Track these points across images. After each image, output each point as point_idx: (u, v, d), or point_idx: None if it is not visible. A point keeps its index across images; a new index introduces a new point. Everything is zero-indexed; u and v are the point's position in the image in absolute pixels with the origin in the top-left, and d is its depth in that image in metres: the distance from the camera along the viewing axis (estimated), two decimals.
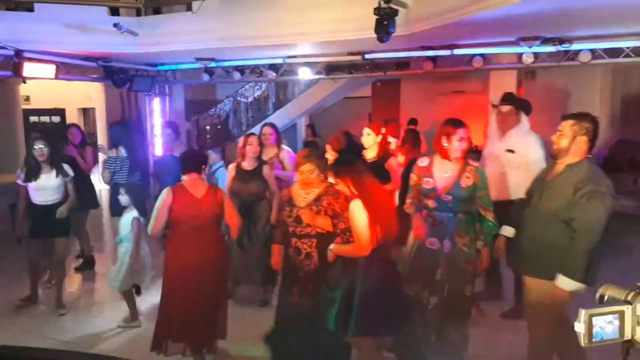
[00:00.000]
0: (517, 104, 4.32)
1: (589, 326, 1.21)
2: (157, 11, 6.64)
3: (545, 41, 5.71)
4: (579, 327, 1.21)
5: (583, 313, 1.21)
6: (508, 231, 3.17)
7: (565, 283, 2.70)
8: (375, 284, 2.84)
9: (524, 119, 4.29)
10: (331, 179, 3.16)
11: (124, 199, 4.21)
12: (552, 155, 2.91)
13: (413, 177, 3.44)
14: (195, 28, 6.05)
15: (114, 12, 6.43)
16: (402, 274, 3.28)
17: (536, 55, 5.91)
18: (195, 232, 3.38)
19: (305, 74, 6.99)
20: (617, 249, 6.48)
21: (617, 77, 9.77)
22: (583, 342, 1.21)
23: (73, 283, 5.57)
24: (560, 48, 5.71)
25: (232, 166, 4.67)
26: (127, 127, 5.89)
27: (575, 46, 5.69)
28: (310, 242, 3.18)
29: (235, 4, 5.94)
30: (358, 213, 2.81)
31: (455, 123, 3.28)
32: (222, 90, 13.32)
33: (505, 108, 4.22)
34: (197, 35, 6.08)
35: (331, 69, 6.97)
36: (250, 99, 12.58)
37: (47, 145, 4.49)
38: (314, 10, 5.51)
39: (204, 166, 3.62)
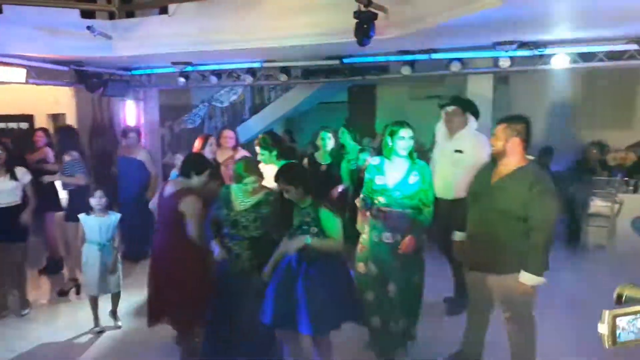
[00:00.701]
0: (464, 105, 4.52)
1: (613, 327, 1.18)
2: (131, 14, 6.49)
3: (521, 46, 5.79)
4: (602, 328, 1.18)
5: (607, 314, 1.18)
6: (459, 236, 3.39)
7: (528, 279, 2.91)
8: (321, 279, 3.03)
9: (472, 120, 4.49)
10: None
11: (102, 201, 4.19)
12: (492, 158, 3.16)
13: (366, 175, 3.74)
14: (171, 32, 5.94)
15: (87, 14, 6.25)
16: (358, 268, 3.64)
17: (512, 59, 5.98)
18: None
19: (283, 79, 6.93)
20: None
21: (587, 82, 10.00)
22: (607, 344, 1.19)
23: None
24: (535, 52, 5.79)
25: None
26: (74, 131, 5.97)
27: (550, 50, 5.77)
28: (241, 244, 3.38)
29: (212, 8, 5.83)
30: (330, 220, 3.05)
31: (399, 124, 3.57)
32: (197, 95, 13.12)
33: (451, 109, 4.42)
34: (173, 38, 5.96)
35: (309, 73, 6.93)
36: (225, 104, 12.46)
37: (3, 149, 4.74)
38: (292, 15, 5.45)
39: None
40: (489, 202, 3.04)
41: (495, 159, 3.12)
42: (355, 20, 4.87)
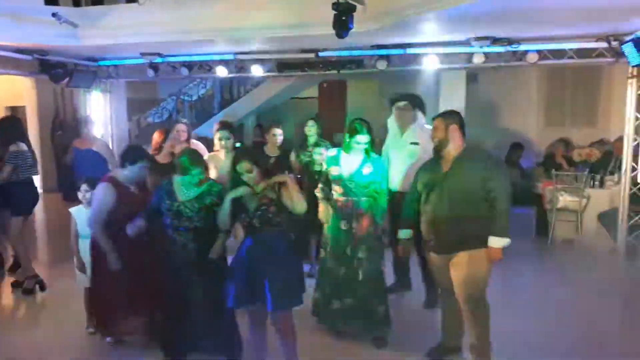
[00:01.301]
0: (413, 101, 4.69)
1: None
2: (97, 2, 6.24)
3: (495, 42, 5.85)
4: None
5: None
6: (406, 234, 3.63)
7: (497, 241, 3.18)
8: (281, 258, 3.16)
9: (420, 114, 4.68)
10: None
11: (88, 194, 4.00)
12: (436, 149, 3.40)
13: (324, 166, 4.00)
14: (140, 20, 5.73)
15: (51, 1, 5.98)
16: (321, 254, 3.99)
17: (486, 55, 6.04)
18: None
19: (256, 71, 6.82)
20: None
21: (551, 81, 10.25)
22: None
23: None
24: (509, 48, 5.87)
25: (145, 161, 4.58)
26: (18, 121, 5.61)
27: (523, 47, 5.86)
28: (186, 234, 3.37)
29: None
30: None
31: (358, 127, 3.75)
32: (164, 88, 12.87)
33: (403, 104, 4.60)
34: (143, 28, 5.76)
35: (283, 66, 6.84)
36: (194, 98, 12.24)
37: None
38: (268, 5, 5.36)
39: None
40: (446, 187, 3.28)
41: (437, 150, 3.39)
42: (333, 13, 4.85)
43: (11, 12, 5.58)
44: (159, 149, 4.70)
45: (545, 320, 4.29)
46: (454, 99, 7.43)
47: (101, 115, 8.27)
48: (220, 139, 4.65)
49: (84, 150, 6.23)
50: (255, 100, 11.91)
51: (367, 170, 3.77)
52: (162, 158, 4.69)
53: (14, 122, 5.58)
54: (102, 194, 3.62)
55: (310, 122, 5.43)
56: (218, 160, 4.65)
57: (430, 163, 3.50)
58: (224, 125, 4.82)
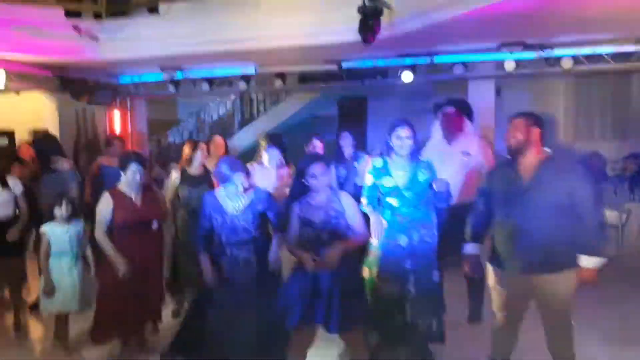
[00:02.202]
0: (461, 106, 4.41)
1: None
2: (118, 14, 6.19)
3: (526, 48, 5.61)
4: None
5: None
6: (475, 248, 3.17)
7: (590, 261, 2.80)
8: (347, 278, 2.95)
9: (468, 122, 4.37)
10: None
11: (69, 208, 3.88)
12: (511, 153, 2.96)
13: (369, 178, 3.53)
14: (162, 32, 5.65)
15: (72, 14, 5.93)
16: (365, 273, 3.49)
17: (517, 63, 5.80)
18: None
19: (278, 85, 6.67)
20: None
21: (578, 93, 9.94)
22: None
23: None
24: (542, 54, 5.62)
25: (175, 173, 4.51)
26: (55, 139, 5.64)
27: (556, 52, 5.61)
28: (247, 248, 3.23)
29: (205, 7, 5.58)
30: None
31: (398, 122, 3.43)
32: (184, 109, 12.86)
33: (451, 110, 4.28)
34: (165, 39, 5.66)
35: (306, 78, 6.67)
36: (214, 118, 12.18)
37: None
38: (291, 13, 5.22)
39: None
40: (529, 199, 2.88)
41: (514, 154, 2.96)
42: (359, 18, 4.68)
43: (31, 26, 5.54)
44: (189, 160, 4.56)
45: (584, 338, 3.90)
46: (483, 111, 7.16)
47: (121, 134, 8.20)
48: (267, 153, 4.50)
49: (114, 168, 6.08)
50: (275, 119, 11.78)
51: (423, 176, 3.40)
52: (193, 170, 4.55)
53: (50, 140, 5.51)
54: (100, 203, 3.59)
55: (345, 134, 5.22)
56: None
57: (504, 170, 3.07)
58: (273, 139, 4.61)
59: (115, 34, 5.85)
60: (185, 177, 4.51)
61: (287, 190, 3.70)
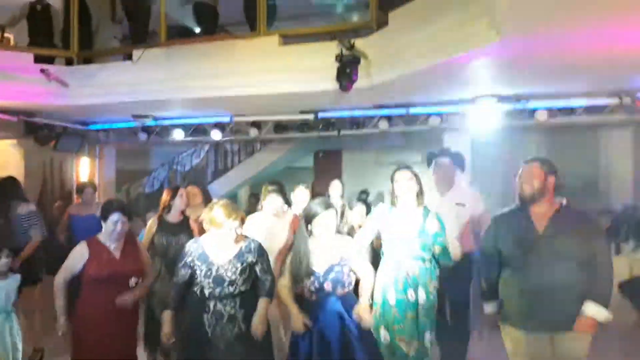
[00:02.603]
0: (454, 157, 4.36)
1: None
2: (89, 60, 6.08)
3: (502, 99, 5.65)
4: None
5: None
6: (494, 306, 2.98)
7: (597, 311, 2.66)
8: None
9: (459, 173, 4.34)
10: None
11: (7, 261, 3.74)
12: (524, 201, 2.83)
13: (372, 225, 3.43)
14: (135, 78, 5.54)
15: (41, 59, 5.78)
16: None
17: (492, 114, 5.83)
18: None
19: (253, 133, 6.55)
20: None
21: (548, 145, 10.10)
22: None
23: None
24: (517, 106, 5.67)
25: (152, 221, 4.32)
26: (16, 181, 5.32)
27: (531, 104, 5.66)
28: (233, 303, 2.97)
29: (180, 53, 5.51)
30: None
31: (402, 168, 3.40)
32: (157, 159, 12.62)
33: (445, 161, 4.23)
34: (138, 86, 5.54)
35: (282, 128, 6.58)
36: (187, 168, 11.96)
37: None
38: (267, 60, 5.19)
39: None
40: (545, 250, 2.74)
41: (527, 202, 2.83)
42: (336, 66, 4.66)
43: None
44: (168, 207, 4.38)
45: None
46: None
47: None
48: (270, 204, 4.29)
49: (84, 217, 5.81)
50: (250, 170, 11.66)
51: (431, 225, 3.23)
52: (172, 217, 4.38)
53: (12, 181, 5.23)
54: (73, 251, 3.31)
55: (336, 182, 5.17)
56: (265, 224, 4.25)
57: (515, 218, 2.90)
58: (277, 188, 4.43)
59: (86, 80, 5.71)
60: (163, 224, 4.31)
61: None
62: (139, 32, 5.98)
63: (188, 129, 6.93)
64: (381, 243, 3.43)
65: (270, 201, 4.30)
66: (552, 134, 8.90)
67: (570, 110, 5.69)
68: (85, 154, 7.69)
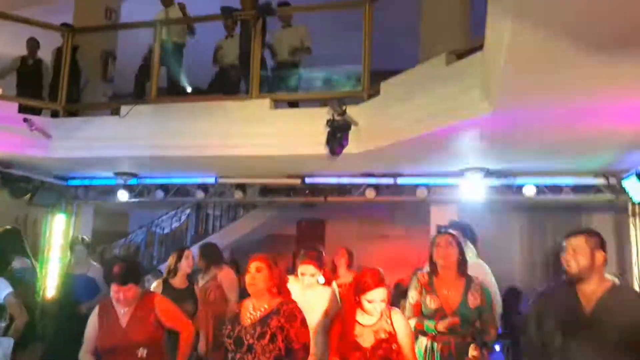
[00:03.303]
0: (463, 230, 4.23)
1: None
2: (75, 114, 6.00)
3: (489, 174, 5.65)
4: None
5: None
6: None
7: None
8: None
9: (470, 246, 4.17)
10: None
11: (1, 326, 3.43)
12: (570, 279, 2.57)
13: (413, 295, 3.11)
14: (120, 133, 5.44)
15: (29, 111, 5.68)
16: None
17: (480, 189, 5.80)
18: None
19: (238, 196, 6.41)
20: None
21: (533, 227, 10.09)
22: None
23: None
24: (504, 181, 5.66)
25: (156, 284, 4.14)
26: (18, 233, 5.24)
27: (519, 180, 5.66)
28: None
29: (168, 111, 5.47)
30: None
31: (443, 231, 3.31)
32: (135, 221, 12.32)
33: (453, 232, 3.94)
34: (122, 141, 5.43)
35: (267, 191, 6.46)
36: (166, 231, 11.64)
37: None
38: (257, 123, 5.16)
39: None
40: (594, 333, 2.48)
41: (573, 280, 2.58)
42: (326, 131, 4.64)
43: None
44: (174, 271, 4.23)
45: None
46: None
47: (61, 241, 7.54)
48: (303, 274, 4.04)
49: (76, 276, 5.52)
50: (231, 236, 11.39)
51: (474, 299, 3.01)
52: (177, 282, 4.25)
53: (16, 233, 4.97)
54: (90, 320, 3.08)
55: (341, 251, 5.17)
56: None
57: (561, 297, 2.64)
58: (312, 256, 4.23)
59: (70, 133, 5.60)
60: (167, 290, 4.08)
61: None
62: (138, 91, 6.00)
63: (171, 189, 6.76)
64: (420, 311, 3.19)
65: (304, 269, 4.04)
66: (535, 212, 8.93)
67: (558, 188, 5.68)
68: (62, 211, 7.41)
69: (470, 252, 4.01)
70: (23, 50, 6.80)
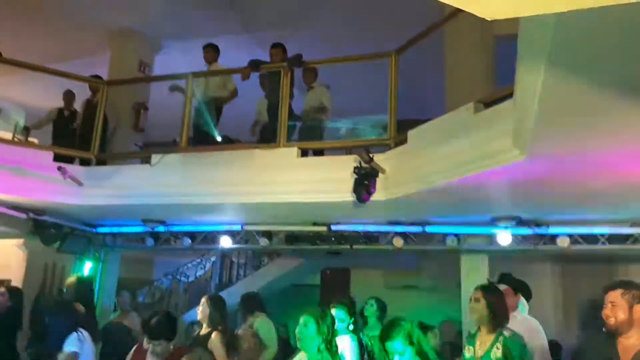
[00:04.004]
0: (516, 285, 4.13)
1: None
2: (104, 163, 6.14)
3: (521, 223, 5.51)
4: None
5: None
6: None
7: None
8: None
9: (523, 302, 4.13)
10: None
11: None
12: (610, 332, 2.58)
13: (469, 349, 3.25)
14: (149, 182, 5.53)
15: (62, 159, 5.83)
16: None
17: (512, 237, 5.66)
18: None
19: (264, 243, 6.37)
20: None
21: (566, 280, 9.74)
22: None
23: None
24: (537, 231, 5.51)
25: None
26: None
27: (552, 230, 5.51)
28: None
29: (198, 160, 5.55)
30: None
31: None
32: (160, 268, 12.36)
33: (503, 287, 3.90)
34: (152, 189, 5.50)
35: (293, 239, 6.41)
36: (191, 279, 11.61)
37: None
38: (285, 170, 5.19)
39: None
40: None
41: (613, 334, 2.57)
42: (353, 179, 4.63)
43: (16, 166, 5.37)
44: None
45: None
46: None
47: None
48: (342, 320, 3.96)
49: (112, 324, 5.54)
50: (253, 285, 11.25)
51: (496, 350, 3.03)
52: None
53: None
54: None
55: (371, 301, 5.01)
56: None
57: (600, 350, 2.65)
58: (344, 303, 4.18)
59: (100, 181, 5.71)
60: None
61: None
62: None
63: (197, 236, 6.78)
64: None
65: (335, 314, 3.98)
66: (569, 261, 8.65)
67: (593, 238, 5.50)
68: (90, 258, 7.47)
69: (524, 308, 3.91)
70: (53, 100, 7.07)
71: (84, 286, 5.39)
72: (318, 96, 6.13)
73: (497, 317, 3.20)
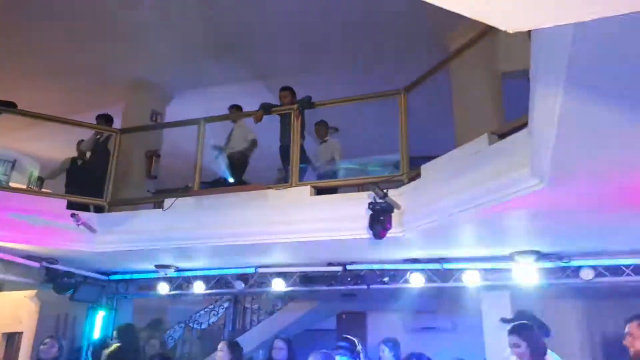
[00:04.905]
0: (539, 327, 4.16)
1: None
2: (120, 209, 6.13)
3: (542, 257, 5.37)
4: None
5: None
6: None
7: None
8: None
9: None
10: None
11: None
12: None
13: None
14: (163, 226, 5.50)
15: (76, 207, 5.83)
16: None
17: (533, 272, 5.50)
18: None
19: (278, 285, 6.26)
20: None
21: (591, 311, 9.44)
22: None
23: None
24: (559, 264, 5.35)
25: None
26: None
27: (574, 262, 5.35)
28: None
29: (211, 202, 5.52)
30: None
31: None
32: (173, 316, 12.15)
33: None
34: (165, 233, 5.47)
35: (307, 280, 6.29)
36: (204, 326, 11.41)
37: None
38: (299, 210, 5.14)
39: None
40: None
41: None
42: (368, 215, 4.57)
43: (32, 215, 5.38)
44: None
45: None
46: (498, 325, 6.61)
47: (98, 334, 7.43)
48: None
49: None
50: (267, 332, 11.03)
51: None
52: None
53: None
54: None
55: (382, 347, 5.06)
56: None
57: None
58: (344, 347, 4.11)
59: (114, 226, 5.69)
60: None
61: None
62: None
63: (210, 280, 6.68)
64: None
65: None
66: (594, 295, 8.40)
67: (617, 269, 5.33)
68: (102, 307, 7.37)
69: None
70: (67, 152, 7.15)
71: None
72: (330, 150, 6.36)
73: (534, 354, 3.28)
